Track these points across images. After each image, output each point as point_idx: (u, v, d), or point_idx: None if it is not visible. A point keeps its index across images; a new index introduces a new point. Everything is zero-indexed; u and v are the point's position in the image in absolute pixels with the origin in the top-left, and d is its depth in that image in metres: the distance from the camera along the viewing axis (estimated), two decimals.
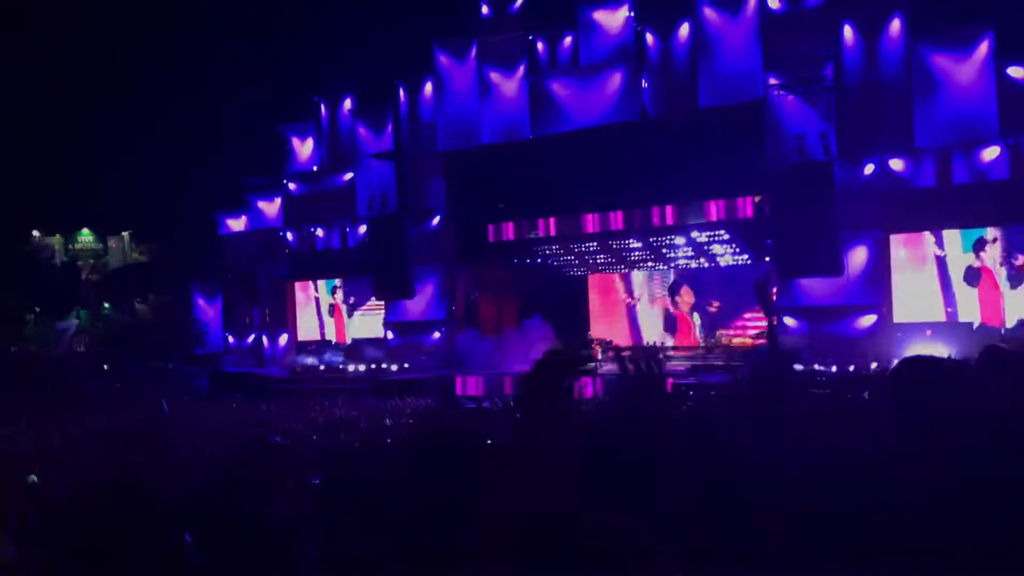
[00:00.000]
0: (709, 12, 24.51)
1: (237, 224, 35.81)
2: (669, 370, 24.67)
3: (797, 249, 21.71)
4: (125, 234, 43.33)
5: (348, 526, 4.02)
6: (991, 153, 20.89)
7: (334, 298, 33.90)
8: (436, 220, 30.29)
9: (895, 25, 22.14)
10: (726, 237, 26.26)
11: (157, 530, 4.66)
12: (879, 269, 22.40)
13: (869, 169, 22.22)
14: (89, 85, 35.16)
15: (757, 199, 24.01)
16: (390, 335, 31.59)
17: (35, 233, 40.91)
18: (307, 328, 34.38)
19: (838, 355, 20.73)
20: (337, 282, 33.60)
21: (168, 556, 4.34)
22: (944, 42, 21.54)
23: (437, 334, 29.89)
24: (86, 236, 42.85)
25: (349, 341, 33.23)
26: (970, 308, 21.51)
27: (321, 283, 34.12)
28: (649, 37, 25.73)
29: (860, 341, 21.65)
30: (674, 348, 28.38)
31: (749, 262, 27.09)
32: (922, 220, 21.94)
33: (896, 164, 21.98)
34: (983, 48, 20.98)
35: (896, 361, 3.82)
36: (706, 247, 27.11)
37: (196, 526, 5.05)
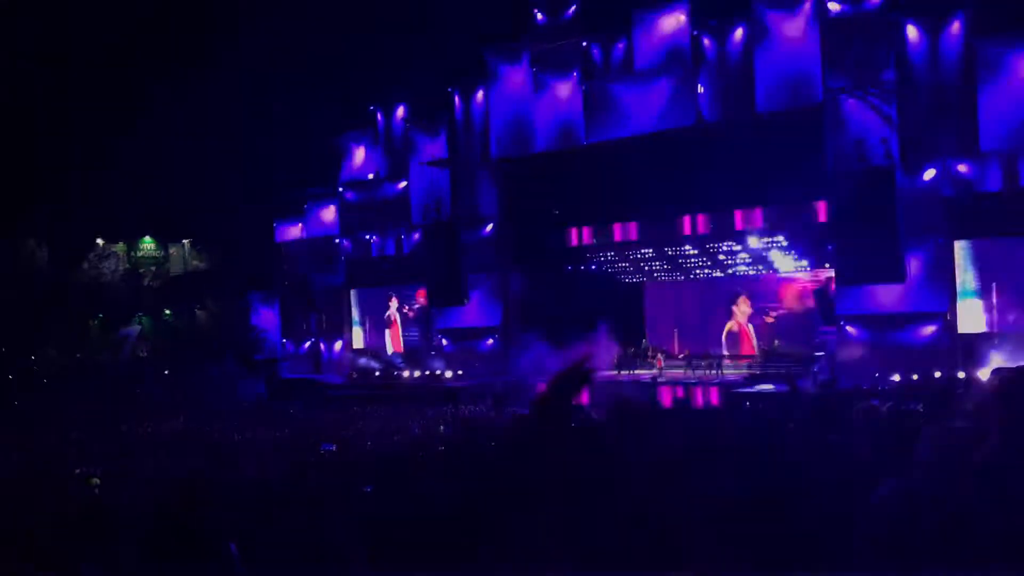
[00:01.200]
0: (766, 15, 24.12)
1: (294, 231, 36.32)
2: (722, 379, 24.34)
3: (859, 255, 21.22)
4: (186, 242, 44.09)
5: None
6: None
7: (390, 308, 34.10)
8: (490, 227, 30.31)
9: (957, 25, 21.59)
10: (785, 243, 25.83)
11: (210, 538, 4.67)
12: (943, 276, 21.80)
13: (931, 174, 21.68)
14: (151, 93, 35.83)
15: (818, 204, 23.62)
16: (444, 342, 31.68)
17: (99, 241, 41.79)
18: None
19: (900, 364, 20.25)
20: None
21: (216, 564, 4.35)
22: (1010, 41, 20.92)
23: (491, 340, 29.91)
24: (148, 243, 43.71)
25: (403, 349, 33.41)
26: None
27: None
28: (706, 41, 25.38)
29: (922, 350, 21.10)
30: (731, 356, 27.95)
31: (808, 270, 26.61)
32: (988, 225, 21.30)
33: (961, 168, 21.41)
34: None
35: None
36: (764, 253, 26.68)
37: (247, 534, 5.06)
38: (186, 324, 40.18)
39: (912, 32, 22.07)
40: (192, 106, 36.07)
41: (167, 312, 41.20)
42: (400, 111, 33.24)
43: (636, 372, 26.41)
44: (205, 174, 36.73)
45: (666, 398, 22.46)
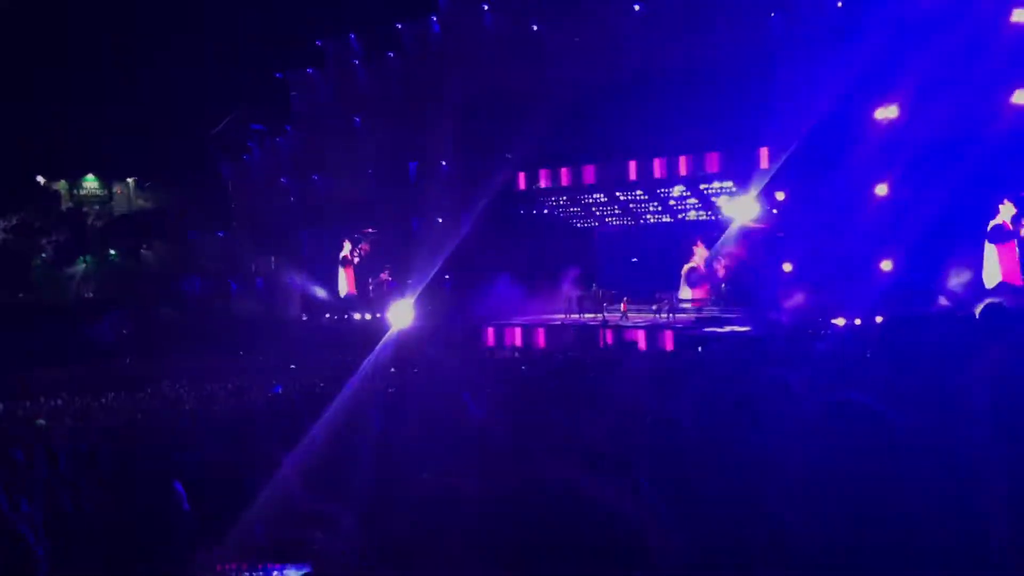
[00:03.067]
0: None
1: (241, 171, 35.72)
2: (676, 322, 24.65)
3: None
4: (130, 180, 43.16)
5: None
6: None
7: (344, 249, 33.79)
8: (443, 169, 30.08)
9: None
10: (732, 189, 26.04)
11: (157, 480, 4.66)
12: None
13: None
14: (89, 27, 34.64)
15: (766, 150, 23.77)
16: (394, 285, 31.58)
17: (40, 179, 40.72)
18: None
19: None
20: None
21: (163, 504, 4.35)
22: None
23: (442, 285, 29.88)
24: (91, 182, 42.72)
25: (355, 291, 33.22)
26: None
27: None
28: None
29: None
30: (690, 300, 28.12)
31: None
32: None
33: None
34: None
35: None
36: (712, 199, 26.87)
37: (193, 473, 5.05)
38: (132, 264, 39.54)
39: None
40: (135, 39, 35.00)
41: (112, 252, 40.46)
42: (350, 47, 32.61)
43: (586, 316, 26.57)
44: (150, 111, 35.80)
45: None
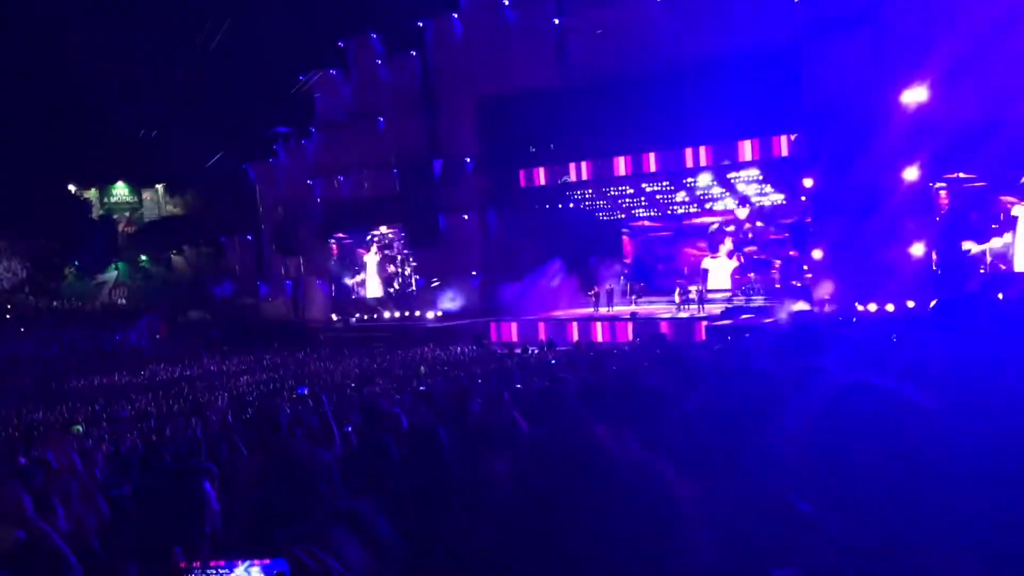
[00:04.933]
0: None
1: (268, 174, 35.92)
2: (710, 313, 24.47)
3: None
4: (159, 187, 43.63)
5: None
6: None
7: (369, 250, 34.01)
8: (468, 166, 30.08)
9: None
10: (760, 177, 25.82)
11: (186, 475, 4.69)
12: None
13: None
14: (121, 38, 35.03)
15: (793, 137, 23.53)
16: (423, 283, 31.69)
17: (71, 187, 41.29)
18: (346, 277, 34.47)
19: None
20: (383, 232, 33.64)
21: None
22: None
23: (469, 281, 29.88)
24: (121, 189, 43.23)
25: (382, 292, 33.39)
26: None
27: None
28: None
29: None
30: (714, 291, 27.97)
31: (785, 203, 26.60)
32: None
33: None
34: None
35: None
36: (743, 187, 26.64)
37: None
38: (164, 270, 39.95)
39: None
40: (165, 49, 35.37)
41: (143, 258, 40.91)
42: (373, 48, 32.68)
43: (615, 310, 26.47)
44: (177, 118, 36.15)
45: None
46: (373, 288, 33.74)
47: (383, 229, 33.37)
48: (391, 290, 33.19)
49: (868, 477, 2.32)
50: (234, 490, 4.89)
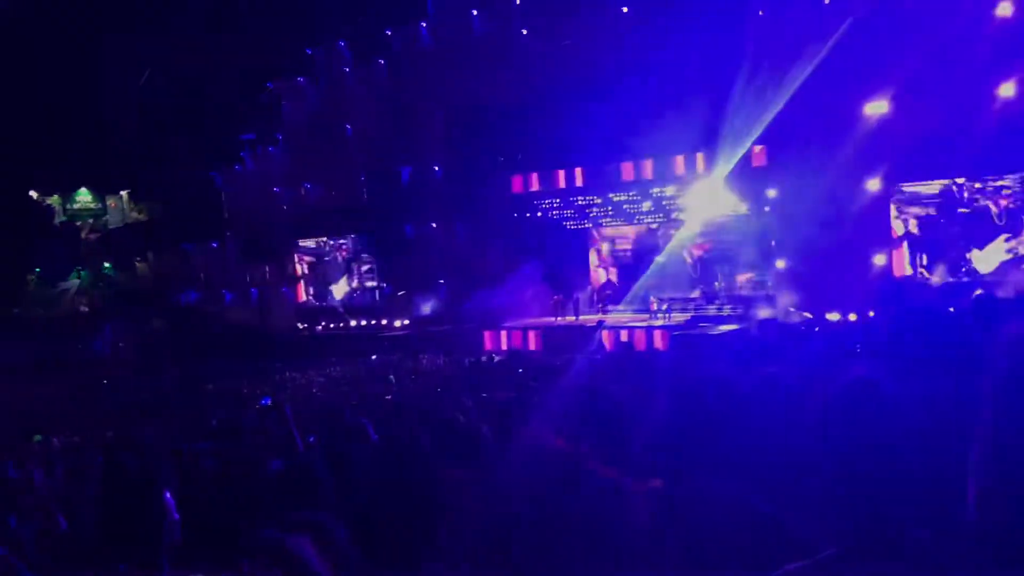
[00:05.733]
0: None
1: (234, 181, 35.67)
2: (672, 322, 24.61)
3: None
4: (124, 193, 43.08)
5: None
6: None
7: (335, 256, 33.93)
8: (436, 174, 30.06)
9: None
10: (724, 188, 26.05)
11: (147, 487, 4.65)
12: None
13: None
14: (86, 44, 34.59)
15: (757, 149, 23.79)
16: (389, 291, 31.65)
17: (32, 194, 40.66)
18: (308, 285, 34.43)
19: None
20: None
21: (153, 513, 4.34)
22: None
23: (436, 289, 29.85)
24: (84, 196, 42.64)
25: (348, 297, 33.29)
26: None
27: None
28: None
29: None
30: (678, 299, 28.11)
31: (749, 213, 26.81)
32: None
33: None
34: None
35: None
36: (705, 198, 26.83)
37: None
38: (127, 277, 39.47)
39: None
40: (127, 53, 34.94)
41: (106, 265, 40.38)
42: (340, 55, 32.63)
43: (581, 319, 26.54)
44: (141, 123, 35.77)
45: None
46: (339, 295, 33.62)
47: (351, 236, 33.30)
48: (355, 296, 33.12)
49: (827, 479, 2.37)
50: (195, 501, 4.85)
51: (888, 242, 22.28)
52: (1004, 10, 19.34)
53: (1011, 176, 20.93)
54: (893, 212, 22.25)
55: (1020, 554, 1.91)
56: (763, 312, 22.85)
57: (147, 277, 38.92)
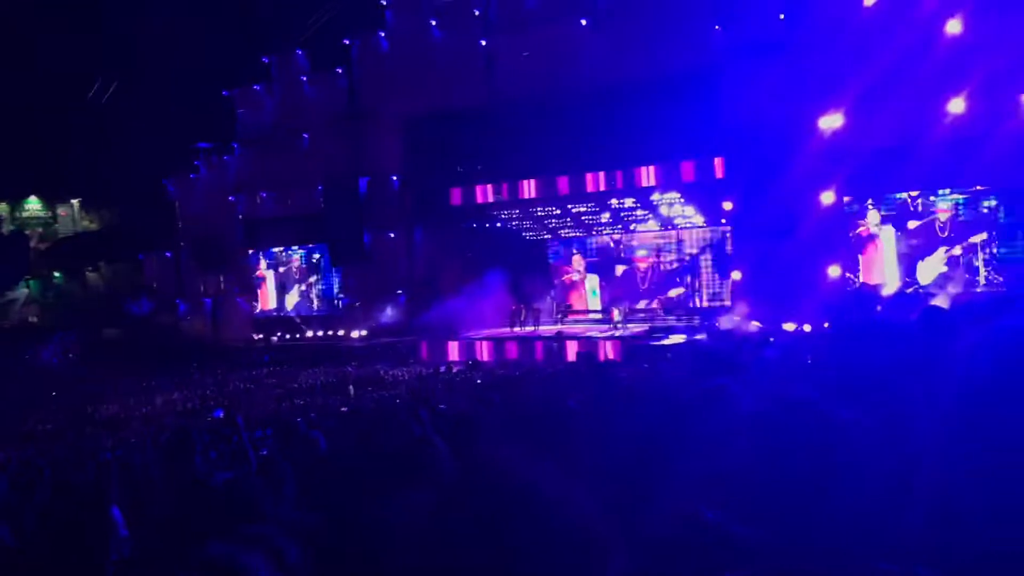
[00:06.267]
0: None
1: (188, 190, 35.24)
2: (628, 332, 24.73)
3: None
4: (74, 202, 42.35)
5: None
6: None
7: (291, 266, 33.65)
8: (394, 184, 29.95)
9: None
10: (681, 200, 26.33)
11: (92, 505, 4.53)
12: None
13: None
14: (36, 48, 33.96)
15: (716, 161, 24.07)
16: (347, 301, 31.44)
17: None
18: (266, 296, 34.11)
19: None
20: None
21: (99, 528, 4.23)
22: None
23: (395, 299, 29.71)
24: (34, 204, 41.86)
25: (305, 308, 33.01)
26: None
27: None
28: None
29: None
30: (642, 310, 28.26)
31: (705, 225, 27.10)
32: None
33: None
34: None
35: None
36: (665, 209, 27.09)
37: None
38: (78, 287, 38.76)
39: None
40: (79, 58, 34.35)
41: (56, 275, 39.64)
42: (298, 64, 32.44)
43: (540, 329, 26.59)
44: (92, 130, 35.19)
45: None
46: (295, 306, 33.36)
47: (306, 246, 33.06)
48: (312, 306, 32.88)
49: (776, 489, 2.40)
50: (144, 515, 4.75)
51: (842, 254, 22.65)
52: (953, 27, 19.77)
53: (957, 189, 21.44)
54: (870, 219, 22.58)
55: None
56: (720, 322, 23.09)
57: (98, 287, 38.24)
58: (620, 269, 28.20)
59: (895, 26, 20.08)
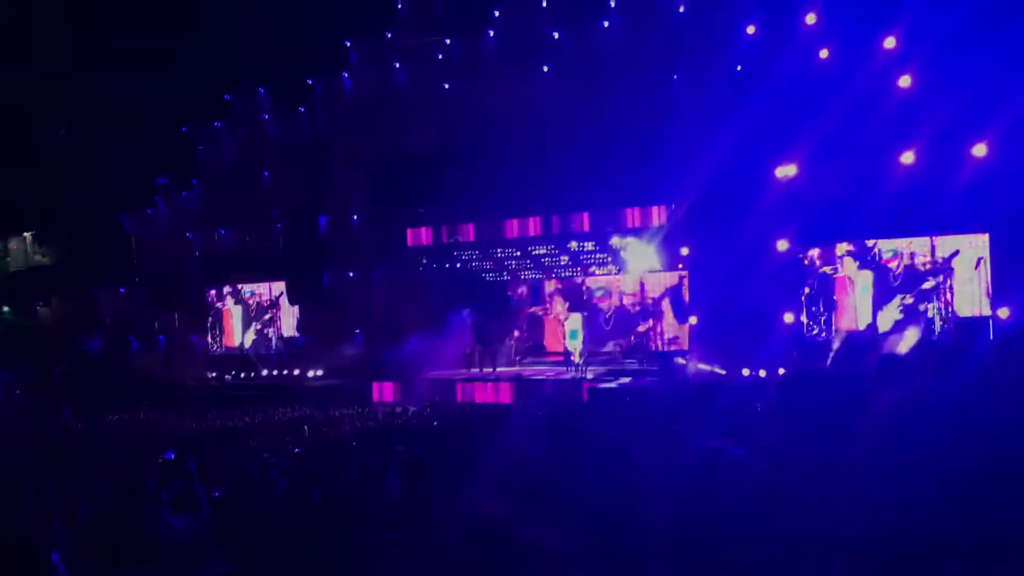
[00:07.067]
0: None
1: (144, 225, 34.86)
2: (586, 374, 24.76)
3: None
4: (27, 235, 41.65)
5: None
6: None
7: (248, 304, 33.38)
8: (354, 223, 29.92)
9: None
10: (638, 244, 26.59)
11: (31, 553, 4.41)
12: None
13: None
14: None
15: (672, 207, 24.40)
16: (303, 340, 31.20)
17: None
18: (220, 334, 33.75)
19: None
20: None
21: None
22: None
23: (352, 339, 29.51)
24: None
25: (262, 346, 32.69)
26: None
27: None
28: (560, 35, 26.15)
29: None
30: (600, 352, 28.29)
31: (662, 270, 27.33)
32: None
33: None
34: None
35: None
36: (622, 254, 27.32)
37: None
38: (28, 322, 37.96)
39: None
40: (36, 88, 33.97)
41: (6, 309, 38.83)
42: (259, 101, 32.44)
43: (498, 371, 26.54)
44: (47, 164, 34.71)
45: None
46: (251, 344, 33.02)
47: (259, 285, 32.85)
48: (269, 344, 32.57)
49: (730, 534, 2.44)
50: (89, 561, 4.63)
51: (797, 301, 22.98)
52: (905, 81, 20.39)
53: (910, 239, 21.94)
54: (848, 265, 22.91)
55: None
56: (677, 367, 23.27)
57: (49, 322, 37.49)
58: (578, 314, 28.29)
59: (849, 79, 20.68)
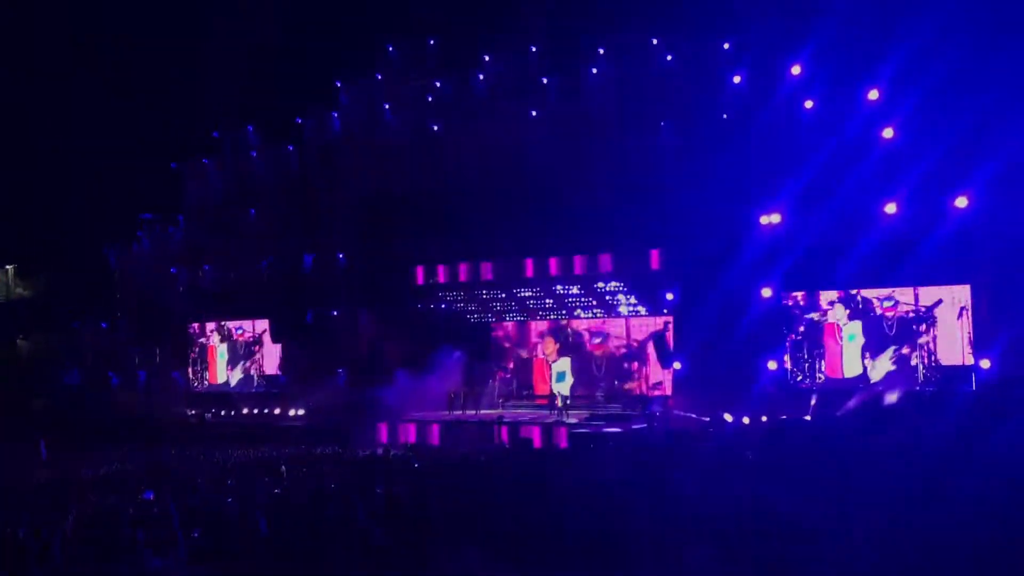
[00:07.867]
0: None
1: (129, 259, 34.67)
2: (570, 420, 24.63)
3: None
4: (10, 268, 41.36)
5: None
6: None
7: (232, 341, 33.18)
8: (340, 262, 29.87)
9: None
10: (624, 289, 26.65)
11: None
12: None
13: None
14: None
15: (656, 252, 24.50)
16: (287, 378, 30.98)
17: None
18: (203, 370, 33.51)
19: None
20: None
21: None
22: None
23: (335, 379, 29.30)
24: None
25: (243, 384, 32.45)
26: None
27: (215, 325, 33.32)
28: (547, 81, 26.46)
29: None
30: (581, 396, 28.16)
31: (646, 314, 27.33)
32: None
33: None
34: None
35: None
36: (609, 298, 27.37)
37: None
38: (7, 354, 37.54)
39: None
40: (23, 122, 33.92)
41: None
42: (248, 138, 32.54)
43: (481, 413, 26.38)
44: (32, 197, 34.57)
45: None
46: (233, 382, 32.77)
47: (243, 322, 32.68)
48: (250, 382, 32.35)
49: None
50: None
51: (782, 348, 23.04)
52: (888, 133, 20.72)
53: (899, 288, 22.05)
54: (838, 312, 22.96)
55: None
56: (660, 413, 23.22)
57: (29, 356, 37.10)
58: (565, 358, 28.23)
59: (833, 129, 21.01)
